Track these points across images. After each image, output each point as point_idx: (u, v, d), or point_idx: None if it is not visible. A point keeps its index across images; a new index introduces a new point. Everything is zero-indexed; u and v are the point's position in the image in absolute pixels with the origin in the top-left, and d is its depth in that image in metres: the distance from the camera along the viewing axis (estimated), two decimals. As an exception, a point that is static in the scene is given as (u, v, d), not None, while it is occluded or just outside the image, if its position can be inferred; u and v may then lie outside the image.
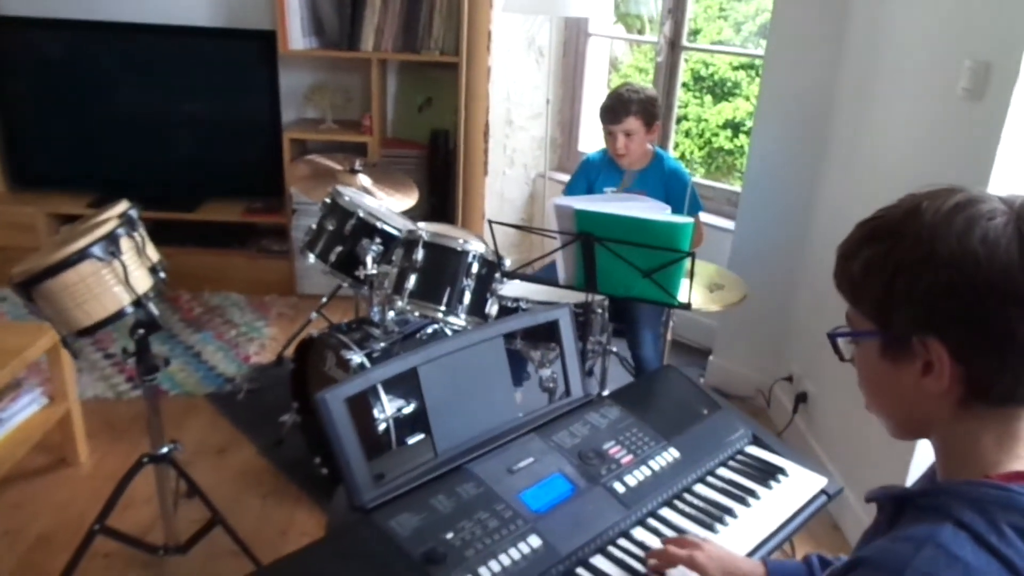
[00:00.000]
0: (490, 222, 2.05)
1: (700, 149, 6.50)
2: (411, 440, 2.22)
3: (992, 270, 0.75)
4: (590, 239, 1.95)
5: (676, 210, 2.76)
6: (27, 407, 2.50)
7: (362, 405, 2.18)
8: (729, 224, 3.39)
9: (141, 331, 1.96)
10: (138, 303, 1.79)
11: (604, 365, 3.13)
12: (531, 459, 1.42)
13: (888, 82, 2.48)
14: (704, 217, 3.59)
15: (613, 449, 1.48)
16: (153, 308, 1.94)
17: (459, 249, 2.23)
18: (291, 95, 3.96)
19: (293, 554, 1.22)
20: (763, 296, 2.98)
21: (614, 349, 3.06)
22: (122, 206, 2.01)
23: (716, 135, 6.38)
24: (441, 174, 3.89)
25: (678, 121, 6.38)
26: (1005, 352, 0.76)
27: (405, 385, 2.17)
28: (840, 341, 0.91)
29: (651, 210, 1.95)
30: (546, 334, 2.45)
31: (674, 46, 3.60)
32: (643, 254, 1.94)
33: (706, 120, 6.42)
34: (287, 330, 3.60)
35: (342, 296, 3.33)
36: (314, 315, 3.29)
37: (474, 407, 1.48)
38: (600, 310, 2.46)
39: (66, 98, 3.88)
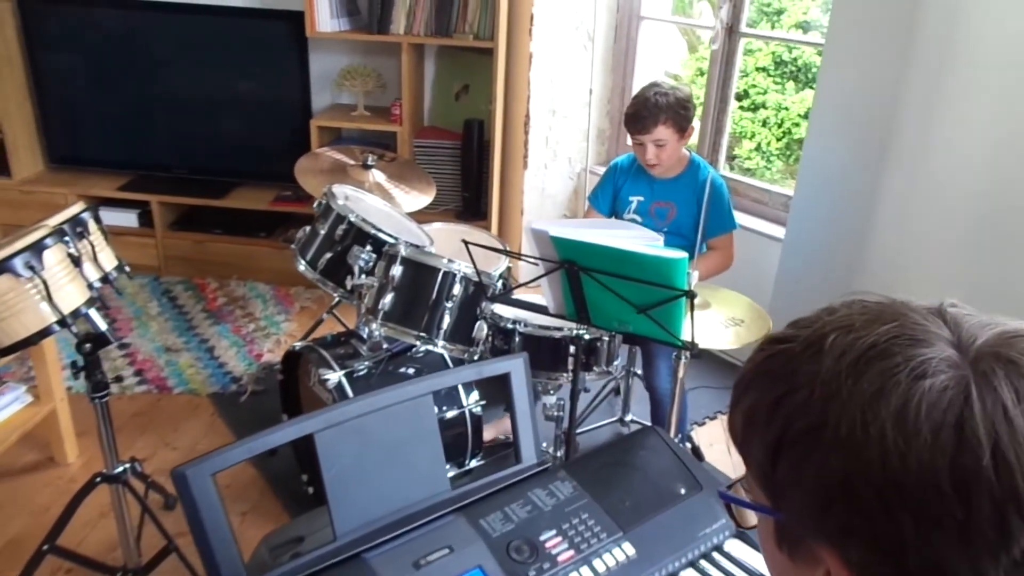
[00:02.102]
0: (465, 242, 1.80)
1: (779, 140, 6.02)
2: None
3: (905, 472, 0.47)
4: (574, 268, 1.67)
5: (710, 223, 2.45)
6: (8, 405, 2.42)
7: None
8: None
9: (88, 346, 1.80)
10: (63, 322, 1.62)
11: (628, 386, 2.87)
12: (446, 550, 1.19)
13: (963, 82, 2.08)
14: (758, 224, 3.24)
15: (552, 541, 1.23)
16: (98, 321, 1.78)
17: (440, 268, 1.99)
18: (324, 80, 3.78)
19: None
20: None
21: (638, 372, 2.78)
22: (74, 209, 1.86)
23: (797, 125, 5.90)
24: (475, 167, 3.65)
25: (755, 109, 5.94)
26: None
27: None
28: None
29: (640, 239, 1.66)
30: (549, 357, 2.21)
31: (732, 31, 3.23)
32: (636, 288, 1.65)
33: (787, 108, 5.93)
34: (307, 326, 3.46)
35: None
36: (325, 316, 3.12)
37: (389, 480, 1.25)
38: (607, 338, 2.18)
39: (100, 77, 3.83)
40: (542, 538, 1.23)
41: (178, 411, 2.93)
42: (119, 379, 3.05)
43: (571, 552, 1.22)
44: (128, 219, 3.89)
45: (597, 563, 1.21)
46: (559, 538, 1.24)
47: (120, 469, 2.00)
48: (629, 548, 1.24)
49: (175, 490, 1.09)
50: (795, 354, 0.54)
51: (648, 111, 2.32)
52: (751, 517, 0.65)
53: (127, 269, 1.99)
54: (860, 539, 0.50)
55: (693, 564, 1.27)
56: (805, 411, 0.51)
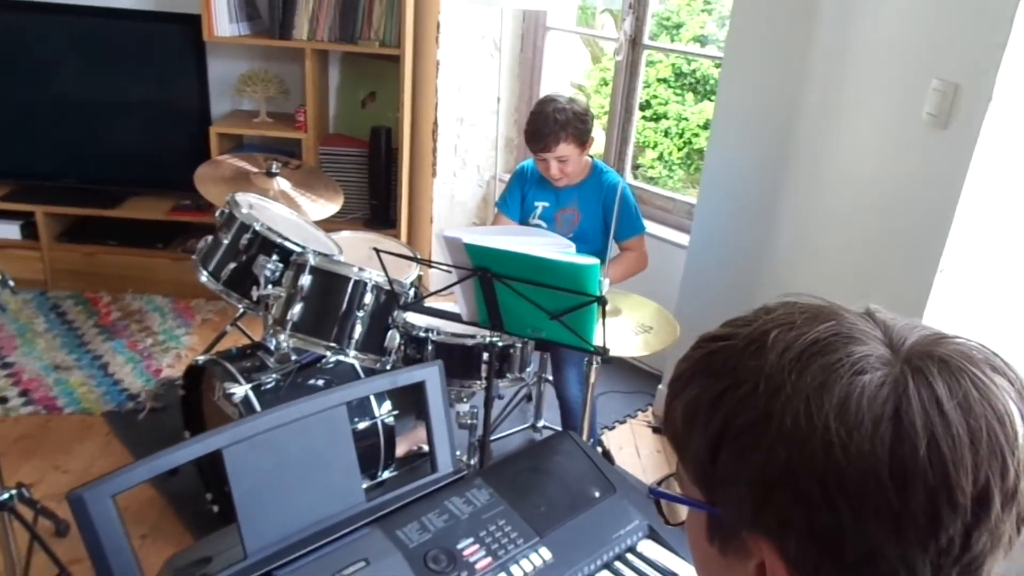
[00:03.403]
0: (376, 251, 1.78)
1: (680, 149, 6.21)
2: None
3: (848, 462, 0.49)
4: (487, 275, 1.68)
5: (621, 227, 2.50)
6: None
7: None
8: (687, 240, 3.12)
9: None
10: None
11: (539, 392, 2.89)
12: (362, 563, 1.17)
13: (854, 96, 2.21)
14: (663, 232, 3.34)
15: (469, 549, 1.22)
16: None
17: (350, 277, 1.95)
18: (223, 85, 3.66)
19: None
20: (717, 321, 2.71)
21: (549, 378, 2.81)
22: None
23: (697, 135, 6.10)
24: (383, 175, 3.61)
25: (656, 119, 6.10)
26: None
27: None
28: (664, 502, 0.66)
29: (553, 246, 1.68)
30: (462, 365, 2.21)
31: (635, 44, 3.31)
32: (549, 294, 1.67)
33: (687, 119, 6.13)
34: (209, 339, 3.33)
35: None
36: (229, 328, 3.02)
37: (302, 495, 1.22)
38: (520, 345, 2.19)
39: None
40: (460, 546, 1.22)
41: (69, 432, 2.77)
42: (3, 400, 2.86)
43: (489, 559, 1.21)
44: (11, 231, 3.65)
45: (515, 569, 1.21)
46: (476, 546, 1.23)
47: (6, 496, 1.88)
48: (546, 552, 1.25)
49: (72, 514, 1.03)
50: (737, 350, 0.55)
51: (548, 128, 2.34)
52: (680, 513, 0.66)
53: (11, 283, 1.87)
54: (799, 530, 0.51)
55: (608, 566, 1.28)
56: (749, 405, 0.53)
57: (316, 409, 1.24)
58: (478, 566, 1.20)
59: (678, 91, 6.20)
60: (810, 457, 0.50)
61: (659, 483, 0.66)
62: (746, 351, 0.55)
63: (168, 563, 1.41)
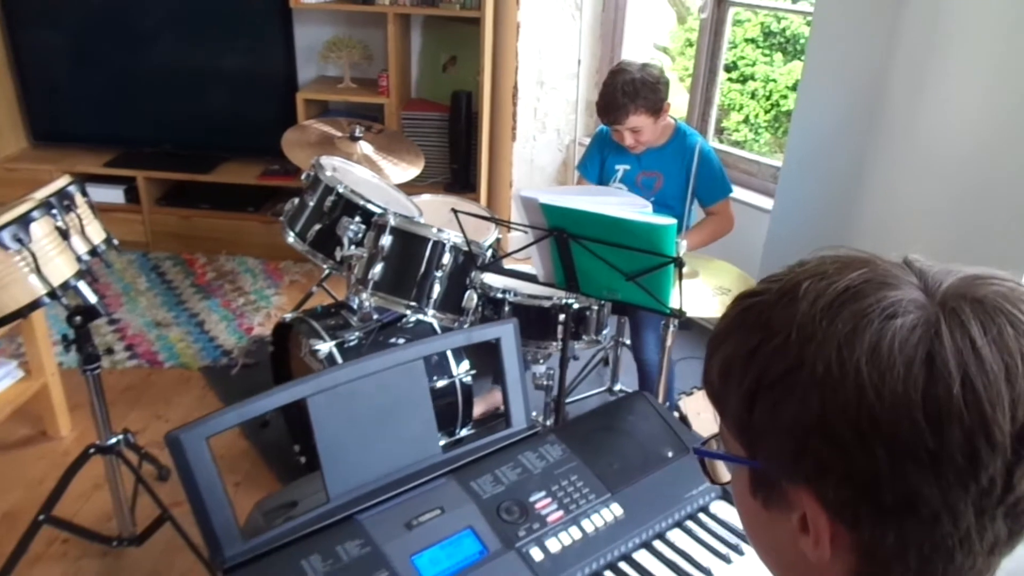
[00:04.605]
0: (455, 211, 1.81)
1: (767, 112, 6.02)
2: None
3: (880, 405, 0.48)
4: (563, 235, 1.69)
5: (701, 191, 2.46)
6: (0, 381, 2.42)
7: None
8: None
9: (78, 319, 1.81)
10: (53, 294, 1.63)
11: (616, 356, 2.89)
12: (438, 511, 1.21)
13: (951, 55, 2.09)
14: (746, 196, 3.25)
15: (541, 502, 1.25)
16: (88, 294, 1.78)
17: (429, 237, 1.99)
18: (309, 52, 3.75)
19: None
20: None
21: (626, 342, 2.81)
22: (60, 182, 1.85)
23: (785, 97, 5.89)
24: (463, 139, 3.64)
25: (743, 81, 5.92)
26: (905, 522, 0.51)
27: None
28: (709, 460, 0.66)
29: (629, 206, 1.67)
30: (538, 326, 2.22)
31: (721, 0, 3.22)
32: (625, 255, 1.66)
33: (774, 80, 5.92)
34: (296, 299, 3.46)
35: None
36: (315, 289, 3.12)
37: (381, 444, 1.27)
38: (597, 307, 2.20)
39: (82, 52, 3.79)
40: (532, 499, 1.25)
41: (169, 385, 2.94)
42: (110, 351, 3.06)
43: (560, 513, 1.24)
44: (115, 195, 3.86)
45: (586, 523, 1.23)
46: (548, 499, 1.26)
47: (113, 440, 2.02)
48: (617, 508, 1.26)
49: (170, 454, 1.11)
50: (770, 303, 0.55)
51: (618, 102, 2.30)
52: (724, 473, 0.67)
53: (116, 243, 1.99)
54: (836, 476, 0.51)
55: (680, 524, 1.29)
56: (782, 355, 0.53)
57: (395, 362, 1.28)
58: (550, 519, 1.23)
59: (766, 51, 5.99)
60: (843, 403, 0.50)
61: (704, 443, 0.66)
62: (778, 303, 0.55)
63: (258, 505, 1.50)
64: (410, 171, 2.92)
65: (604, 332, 2.28)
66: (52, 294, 1.63)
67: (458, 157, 3.69)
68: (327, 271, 2.96)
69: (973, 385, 0.47)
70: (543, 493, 1.26)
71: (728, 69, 5.48)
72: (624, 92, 2.28)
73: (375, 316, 2.31)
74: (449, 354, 2.25)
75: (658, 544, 1.25)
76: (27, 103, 3.87)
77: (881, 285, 0.52)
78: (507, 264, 2.18)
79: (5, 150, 3.83)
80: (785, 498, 0.56)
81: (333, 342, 2.18)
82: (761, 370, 0.54)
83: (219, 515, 1.11)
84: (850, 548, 0.54)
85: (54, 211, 1.68)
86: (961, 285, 0.52)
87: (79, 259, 1.73)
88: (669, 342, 2.04)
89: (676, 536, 1.27)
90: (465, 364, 2.29)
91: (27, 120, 3.92)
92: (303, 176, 2.44)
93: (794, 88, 5.80)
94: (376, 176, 2.64)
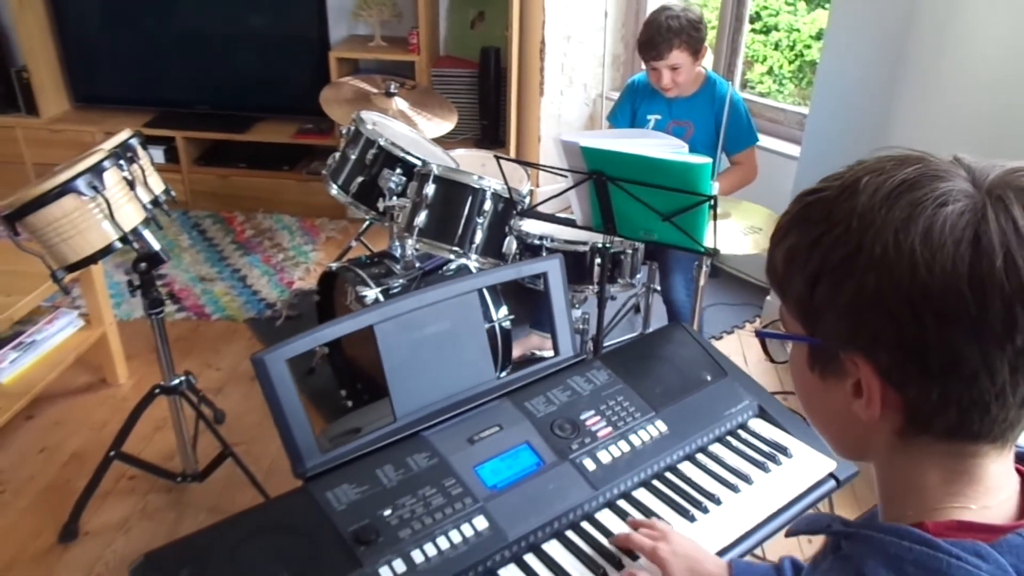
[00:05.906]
0: (497, 157, 1.89)
1: (790, 63, 5.98)
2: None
3: (931, 279, 0.56)
4: (602, 178, 1.76)
5: (729, 139, 2.52)
6: (62, 330, 2.55)
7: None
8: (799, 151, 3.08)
9: (143, 265, 1.92)
10: (125, 239, 1.73)
11: (648, 303, 2.98)
12: (496, 428, 1.31)
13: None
14: (773, 143, 3.30)
15: (591, 420, 1.35)
16: (152, 241, 1.89)
17: (471, 185, 2.08)
18: (340, 11, 3.81)
19: (220, 522, 1.16)
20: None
21: (657, 288, 2.89)
22: (123, 135, 1.95)
23: (808, 47, 5.85)
24: (492, 95, 3.70)
25: (767, 32, 5.88)
26: (948, 381, 0.59)
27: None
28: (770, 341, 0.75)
29: (666, 147, 1.74)
30: (575, 270, 2.31)
31: (748, -49, 3.23)
32: (662, 196, 1.74)
33: (798, 30, 5.88)
34: (333, 255, 3.57)
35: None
36: (354, 243, 3.23)
37: (441, 368, 1.37)
38: (631, 251, 2.28)
39: (120, 15, 3.88)
40: (582, 417, 1.35)
41: (217, 336, 3.07)
42: (173, 296, 3.22)
43: (609, 429, 1.34)
44: (155, 155, 3.97)
45: (633, 438, 1.33)
46: (598, 417, 1.36)
47: (176, 381, 2.14)
48: (662, 425, 1.36)
49: (255, 374, 1.21)
50: (831, 198, 0.64)
51: (661, 36, 2.36)
52: (782, 352, 0.75)
53: (173, 194, 2.09)
54: (889, 344, 0.60)
55: (720, 439, 1.39)
56: (843, 243, 0.61)
57: (452, 294, 1.37)
58: (599, 434, 1.33)
59: (790, 0, 5.94)
60: (898, 280, 0.58)
61: (765, 326, 0.75)
62: (840, 197, 0.63)
63: (323, 431, 1.62)
64: (443, 125, 2.99)
65: (638, 276, 2.36)
66: (124, 239, 1.74)
67: (487, 113, 3.76)
68: (367, 223, 3.07)
69: (1014, 259, 0.55)
70: (592, 412, 1.36)
71: (752, 20, 5.45)
72: (669, 27, 2.34)
73: (417, 264, 2.40)
74: (489, 300, 2.35)
75: (701, 456, 1.35)
76: (69, 67, 3.98)
77: (934, 178, 0.59)
78: (544, 208, 2.26)
79: (49, 112, 3.95)
80: (841, 368, 0.65)
81: (379, 288, 2.28)
82: (823, 256, 0.62)
83: (299, 428, 1.22)
84: (897, 407, 0.63)
85: (121, 161, 1.79)
86: (1006, 175, 0.59)
87: (144, 207, 1.83)
88: (702, 282, 2.12)
89: (718, 449, 1.36)
90: (504, 309, 2.38)
91: (69, 83, 4.03)
92: (343, 131, 2.53)
93: (818, 37, 5.76)
94: (412, 130, 2.72)
